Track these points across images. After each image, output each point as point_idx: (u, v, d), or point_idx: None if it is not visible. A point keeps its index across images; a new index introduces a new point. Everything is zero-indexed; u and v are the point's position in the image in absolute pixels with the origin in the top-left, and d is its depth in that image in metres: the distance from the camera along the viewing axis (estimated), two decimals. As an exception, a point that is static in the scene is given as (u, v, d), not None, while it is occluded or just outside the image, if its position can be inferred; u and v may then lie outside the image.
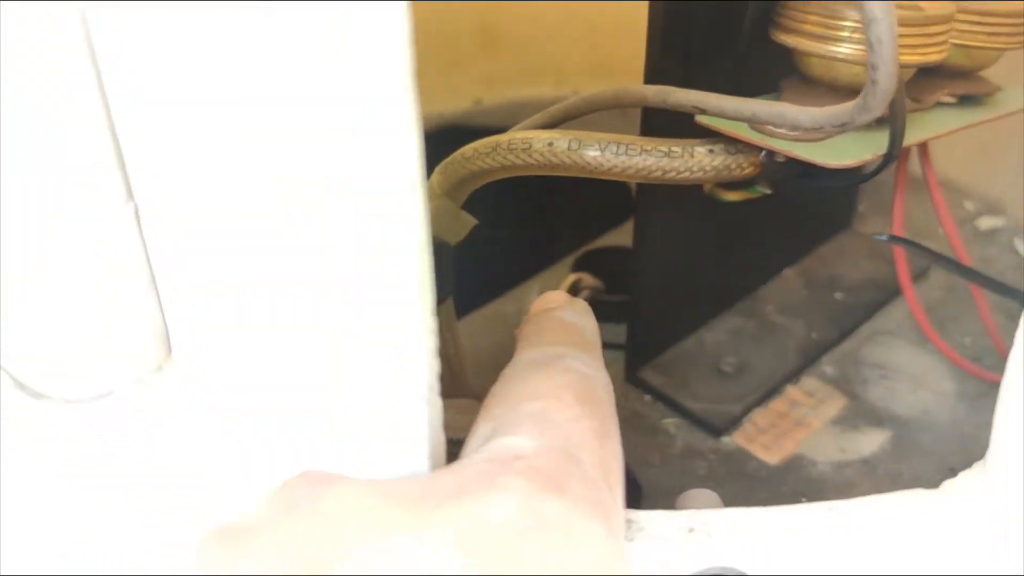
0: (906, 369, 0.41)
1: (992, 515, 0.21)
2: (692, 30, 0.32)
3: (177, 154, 0.17)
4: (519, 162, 0.29)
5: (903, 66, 0.28)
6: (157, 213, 0.18)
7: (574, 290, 0.43)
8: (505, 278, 0.46)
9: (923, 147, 0.35)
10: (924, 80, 0.32)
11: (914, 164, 0.36)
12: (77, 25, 0.17)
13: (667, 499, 0.28)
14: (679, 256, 0.39)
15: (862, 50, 0.28)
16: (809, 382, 0.41)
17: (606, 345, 0.43)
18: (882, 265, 0.46)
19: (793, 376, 0.40)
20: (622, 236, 0.48)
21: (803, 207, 0.44)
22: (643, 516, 0.22)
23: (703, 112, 0.26)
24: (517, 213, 0.51)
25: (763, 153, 0.28)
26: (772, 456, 0.37)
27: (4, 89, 0.17)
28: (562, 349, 0.23)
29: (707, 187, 0.32)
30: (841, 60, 0.28)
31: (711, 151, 0.28)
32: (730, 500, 0.26)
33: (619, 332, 0.41)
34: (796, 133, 0.27)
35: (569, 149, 0.28)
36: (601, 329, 0.43)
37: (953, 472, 0.23)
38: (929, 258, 0.31)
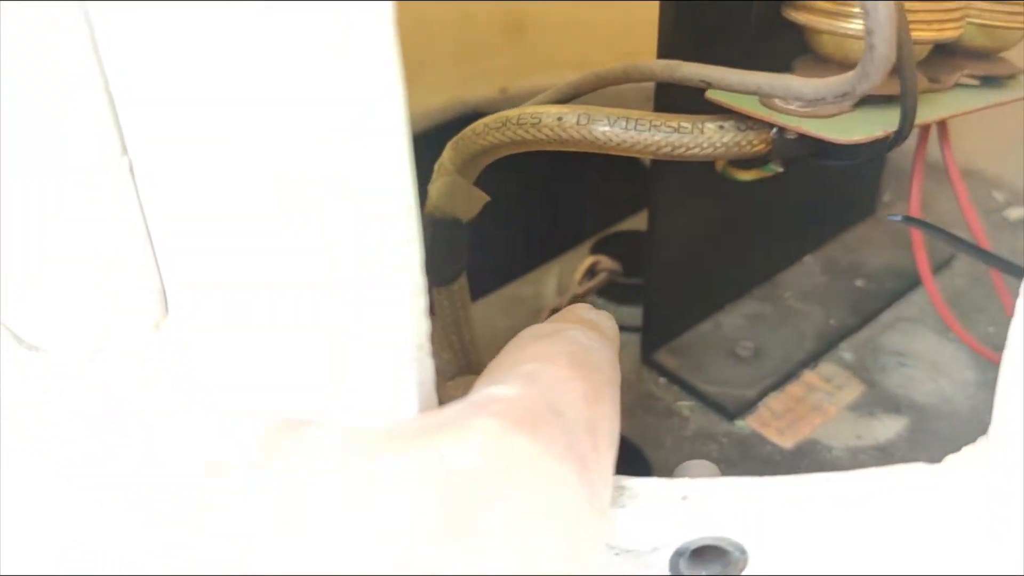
0: (927, 357, 0.41)
1: (991, 490, 0.21)
2: (704, 10, 0.32)
3: (176, 149, 0.18)
4: (528, 137, 0.29)
5: (918, 42, 0.27)
6: (157, 207, 0.19)
7: (591, 272, 0.43)
8: (523, 261, 0.47)
9: (943, 129, 0.34)
10: (943, 60, 0.31)
11: (937, 153, 0.36)
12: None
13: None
14: (694, 240, 0.38)
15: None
16: (826, 368, 0.40)
17: (623, 327, 0.43)
18: (905, 253, 0.45)
19: (810, 362, 0.40)
20: (643, 222, 0.48)
21: (824, 194, 0.44)
22: (637, 483, 0.22)
23: (709, 85, 0.26)
24: (536, 196, 0.51)
25: (774, 130, 0.28)
26: (786, 440, 0.37)
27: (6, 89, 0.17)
28: (569, 326, 0.23)
29: (720, 165, 0.32)
30: (853, 37, 0.28)
31: (721, 127, 0.28)
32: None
33: (637, 315, 0.41)
34: (806, 109, 0.27)
35: (578, 124, 0.28)
36: (618, 312, 0.43)
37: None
38: (945, 240, 0.30)
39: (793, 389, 0.39)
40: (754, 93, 0.26)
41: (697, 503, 0.21)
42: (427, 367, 0.20)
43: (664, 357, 0.40)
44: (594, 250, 0.45)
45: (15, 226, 0.18)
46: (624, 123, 0.28)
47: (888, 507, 0.21)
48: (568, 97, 0.30)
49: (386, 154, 0.17)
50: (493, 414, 0.17)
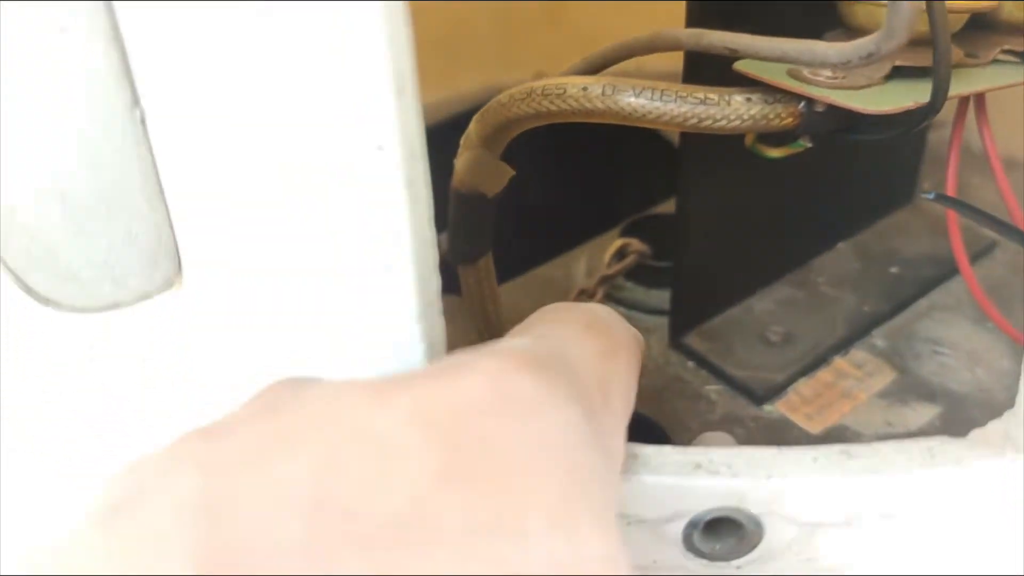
0: (962, 345, 0.40)
1: (1014, 463, 0.20)
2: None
3: (185, 135, 0.18)
4: (554, 108, 0.29)
5: (952, 11, 0.27)
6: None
7: (620, 254, 0.42)
8: (554, 244, 0.46)
9: (981, 111, 0.33)
10: (981, 35, 0.31)
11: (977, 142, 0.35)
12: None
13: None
14: (725, 223, 0.38)
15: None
16: (858, 354, 0.39)
17: (652, 311, 0.42)
18: (943, 241, 0.44)
19: (842, 348, 0.39)
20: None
21: (861, 181, 0.43)
22: (650, 450, 0.21)
23: (735, 52, 0.26)
24: (569, 179, 0.51)
25: (802, 103, 0.28)
26: (814, 426, 0.36)
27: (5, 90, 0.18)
28: (591, 304, 0.23)
29: (749, 140, 0.31)
30: (885, 6, 0.27)
31: (748, 99, 0.28)
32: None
33: (666, 299, 0.40)
34: (835, 81, 0.26)
35: (604, 94, 0.28)
36: (648, 295, 0.43)
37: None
38: (979, 219, 0.30)
39: (823, 375, 0.39)
40: (780, 60, 0.25)
41: (710, 472, 0.21)
42: (438, 326, 0.20)
43: (693, 341, 0.39)
44: (625, 233, 0.45)
45: (32, 169, 0.19)
46: (650, 94, 0.28)
47: (909, 479, 0.21)
48: (596, 68, 0.30)
49: (386, 144, 0.17)
50: (497, 355, 0.17)
